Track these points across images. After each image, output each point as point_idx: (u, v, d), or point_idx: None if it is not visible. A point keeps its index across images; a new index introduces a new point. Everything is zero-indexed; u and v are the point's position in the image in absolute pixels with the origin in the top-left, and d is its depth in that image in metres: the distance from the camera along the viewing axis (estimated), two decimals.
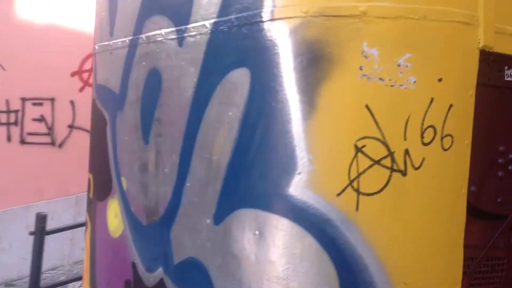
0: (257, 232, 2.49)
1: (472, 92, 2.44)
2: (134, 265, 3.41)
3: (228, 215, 2.64)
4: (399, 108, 2.31)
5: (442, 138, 2.35)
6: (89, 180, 4.01)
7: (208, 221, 2.77)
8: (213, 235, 2.74)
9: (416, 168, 2.32)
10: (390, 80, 2.28)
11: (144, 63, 3.29)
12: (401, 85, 2.29)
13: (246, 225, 2.54)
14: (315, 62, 2.32)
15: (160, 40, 3.14)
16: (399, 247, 2.34)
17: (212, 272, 2.74)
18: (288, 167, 2.37)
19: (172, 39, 3.04)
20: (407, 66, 2.29)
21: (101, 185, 3.79)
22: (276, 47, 2.40)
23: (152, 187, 3.22)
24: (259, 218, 2.49)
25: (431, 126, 2.33)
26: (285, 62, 2.37)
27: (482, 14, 2.46)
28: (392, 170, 2.30)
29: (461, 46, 2.43)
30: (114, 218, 3.62)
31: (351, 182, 2.29)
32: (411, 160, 2.32)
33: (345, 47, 2.30)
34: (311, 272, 2.36)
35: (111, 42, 3.67)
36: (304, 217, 2.35)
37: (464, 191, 2.45)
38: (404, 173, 2.31)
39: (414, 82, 2.31)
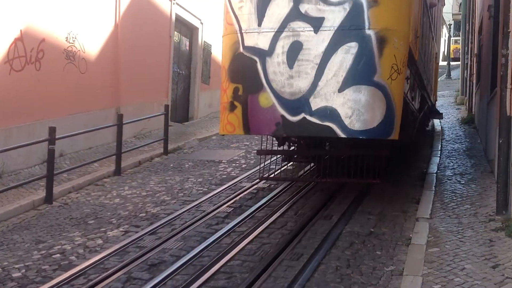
0: (361, 92, 8.46)
1: None
2: (282, 116, 8.89)
3: (347, 88, 8.52)
4: None
5: None
6: (236, 87, 9.17)
7: (335, 92, 8.57)
8: (337, 96, 8.56)
9: None
10: None
11: (289, 37, 8.78)
12: None
13: (356, 90, 8.48)
14: (384, 41, 8.41)
15: (301, 30, 8.72)
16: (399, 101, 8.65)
17: (338, 107, 8.56)
18: (373, 70, 8.42)
19: (310, 30, 8.68)
20: None
21: (252, 87, 9.05)
22: (371, 38, 8.39)
23: (297, 84, 8.77)
24: (362, 88, 8.46)
25: None
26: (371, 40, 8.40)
27: None
28: None
29: None
30: (265, 100, 8.98)
31: (391, 75, 8.48)
32: None
33: None
34: (377, 100, 8.49)
35: (260, 29, 8.97)
36: (378, 85, 8.45)
37: None
38: None
39: None
